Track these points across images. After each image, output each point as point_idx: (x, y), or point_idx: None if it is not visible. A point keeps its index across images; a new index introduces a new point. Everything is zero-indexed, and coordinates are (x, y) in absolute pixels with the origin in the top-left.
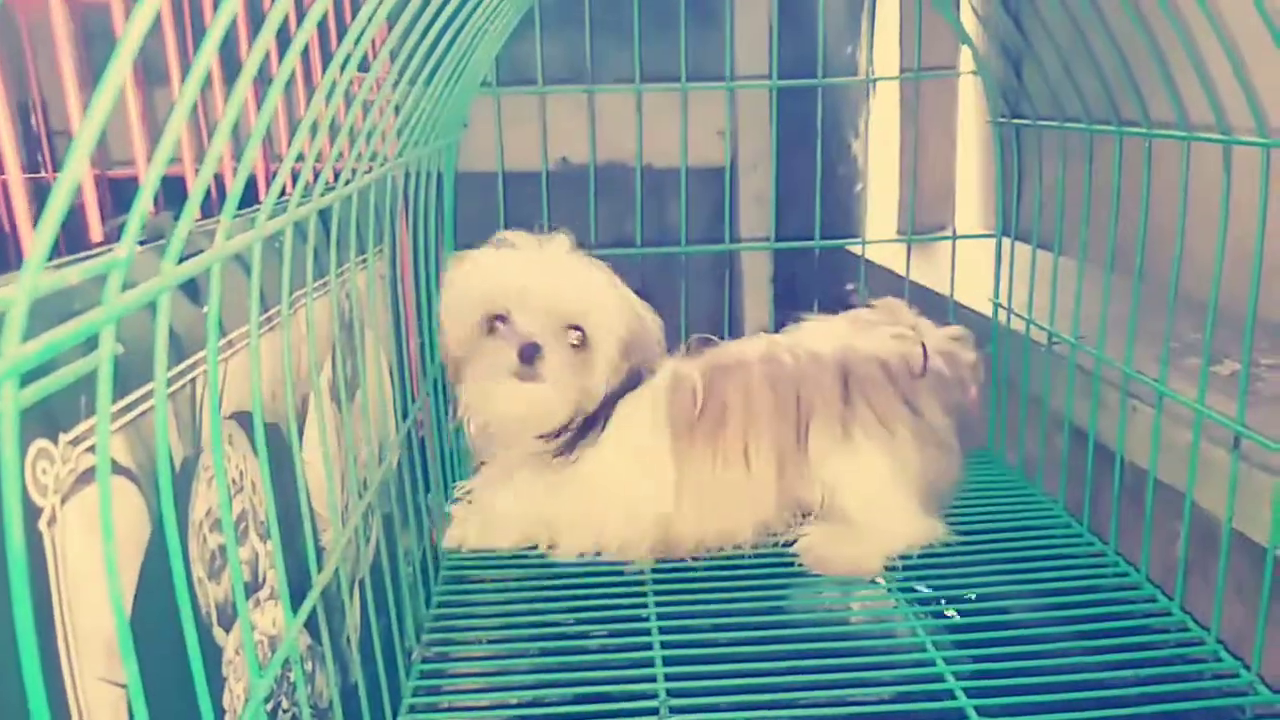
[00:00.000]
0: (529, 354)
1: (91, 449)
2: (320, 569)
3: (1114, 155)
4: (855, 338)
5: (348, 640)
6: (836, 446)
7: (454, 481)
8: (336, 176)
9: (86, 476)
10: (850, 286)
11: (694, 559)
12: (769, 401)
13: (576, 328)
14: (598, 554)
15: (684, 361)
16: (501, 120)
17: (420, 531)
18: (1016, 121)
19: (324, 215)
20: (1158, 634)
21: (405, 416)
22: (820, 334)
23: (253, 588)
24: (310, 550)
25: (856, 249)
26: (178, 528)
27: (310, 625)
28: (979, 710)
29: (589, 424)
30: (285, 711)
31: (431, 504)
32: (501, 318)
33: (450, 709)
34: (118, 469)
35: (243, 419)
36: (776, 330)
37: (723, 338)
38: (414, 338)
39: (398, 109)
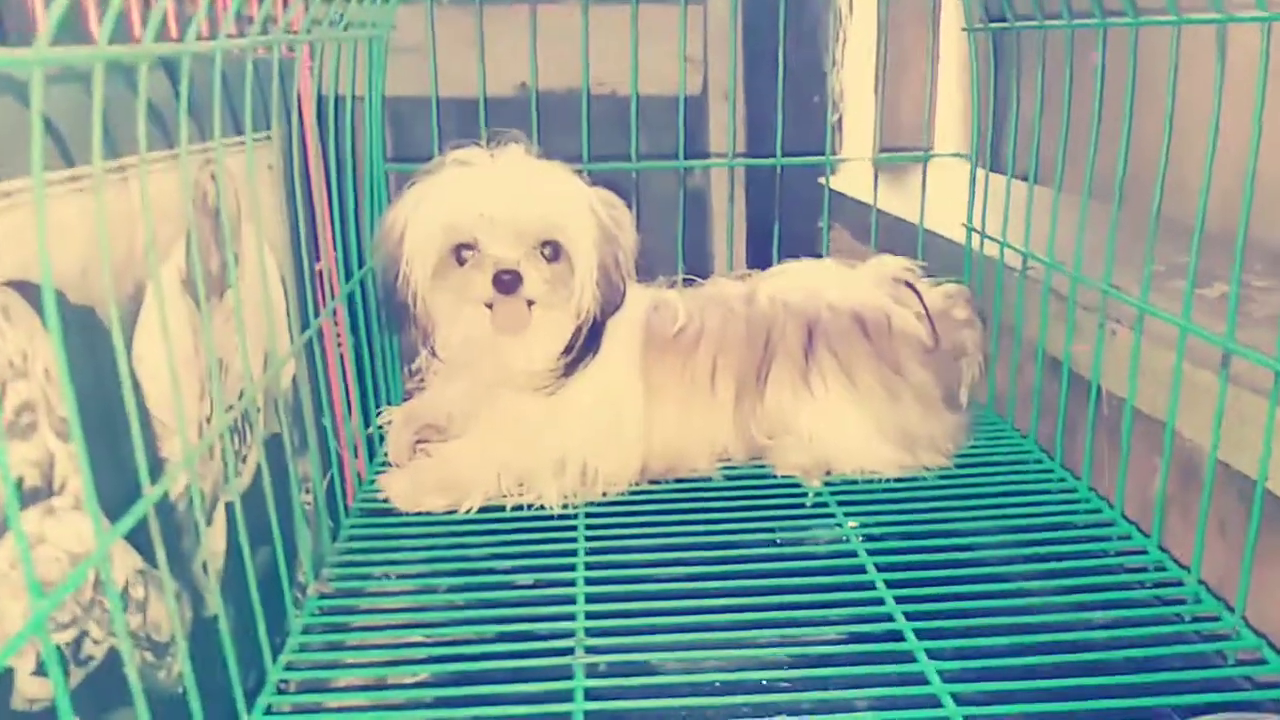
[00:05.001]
0: (507, 283)
1: None
2: (154, 481)
3: (1098, 56)
4: (840, 289)
5: (204, 568)
6: (794, 396)
7: (378, 407)
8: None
9: None
10: (821, 225)
11: (651, 482)
12: (740, 335)
13: (549, 243)
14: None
15: (666, 290)
16: (436, 40)
17: (326, 458)
18: (993, 26)
19: (171, 70)
20: (1133, 574)
21: (305, 328)
22: (805, 281)
23: (44, 493)
24: (141, 459)
25: (829, 182)
26: None
27: (141, 546)
28: (930, 654)
29: (584, 350)
30: (98, 643)
31: (354, 430)
32: (469, 246)
33: (355, 647)
34: None
35: (27, 290)
36: (751, 269)
37: (687, 272)
38: (333, 248)
39: None
